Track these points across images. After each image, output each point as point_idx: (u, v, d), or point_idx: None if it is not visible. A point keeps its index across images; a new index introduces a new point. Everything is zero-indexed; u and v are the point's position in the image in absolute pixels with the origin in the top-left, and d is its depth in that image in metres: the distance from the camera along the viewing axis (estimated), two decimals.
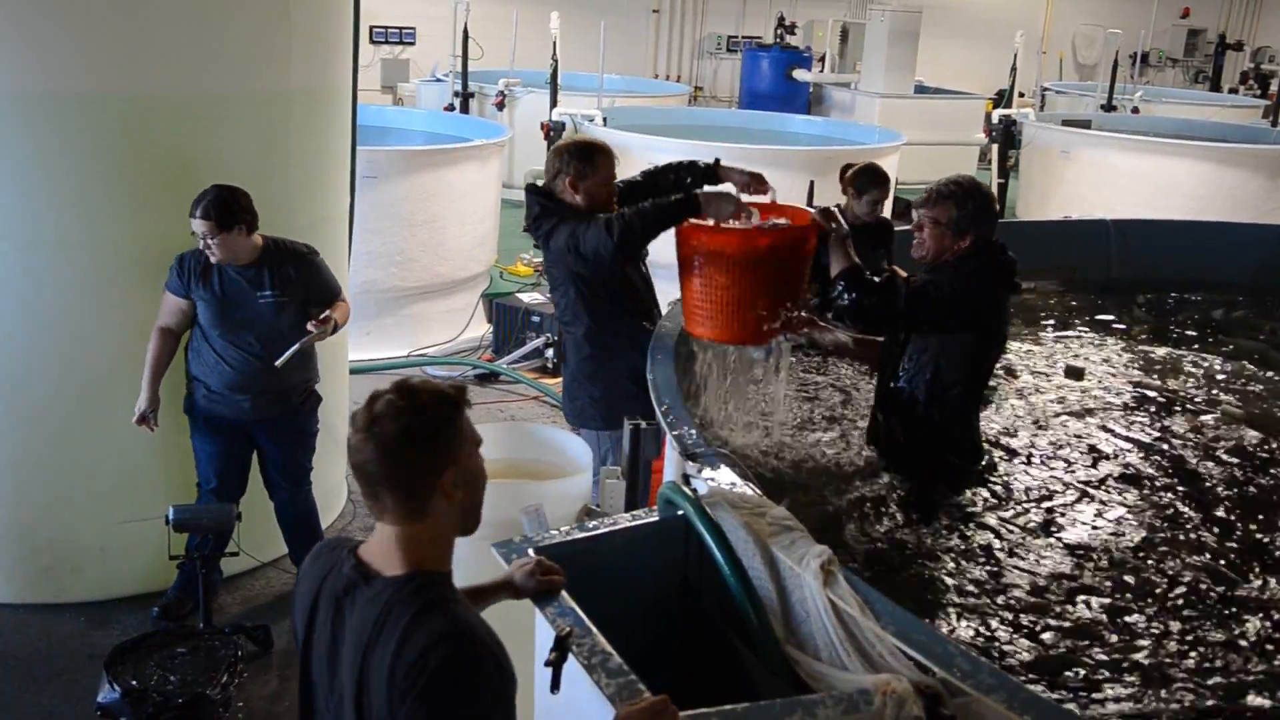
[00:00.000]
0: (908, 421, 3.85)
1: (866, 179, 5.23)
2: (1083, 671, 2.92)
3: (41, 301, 4.55)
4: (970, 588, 3.30)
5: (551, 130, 10.41)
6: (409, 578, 2.09)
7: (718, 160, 4.58)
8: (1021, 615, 3.17)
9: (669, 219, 4.05)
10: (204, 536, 4.51)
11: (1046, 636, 3.08)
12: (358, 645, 2.09)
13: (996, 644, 3.02)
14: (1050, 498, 3.88)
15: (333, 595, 2.18)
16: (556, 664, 2.20)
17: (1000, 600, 3.24)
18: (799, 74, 15.77)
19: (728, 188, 4.32)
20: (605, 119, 10.43)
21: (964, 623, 3.11)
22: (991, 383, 4.45)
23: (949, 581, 3.33)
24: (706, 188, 4.36)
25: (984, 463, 4.01)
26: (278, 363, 4.42)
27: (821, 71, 16.03)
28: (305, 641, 2.27)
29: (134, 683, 4.06)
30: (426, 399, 2.11)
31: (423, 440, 2.08)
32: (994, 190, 12.46)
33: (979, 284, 3.71)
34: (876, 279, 3.71)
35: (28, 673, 4.41)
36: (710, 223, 3.94)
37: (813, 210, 3.87)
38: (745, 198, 4.12)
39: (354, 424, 2.10)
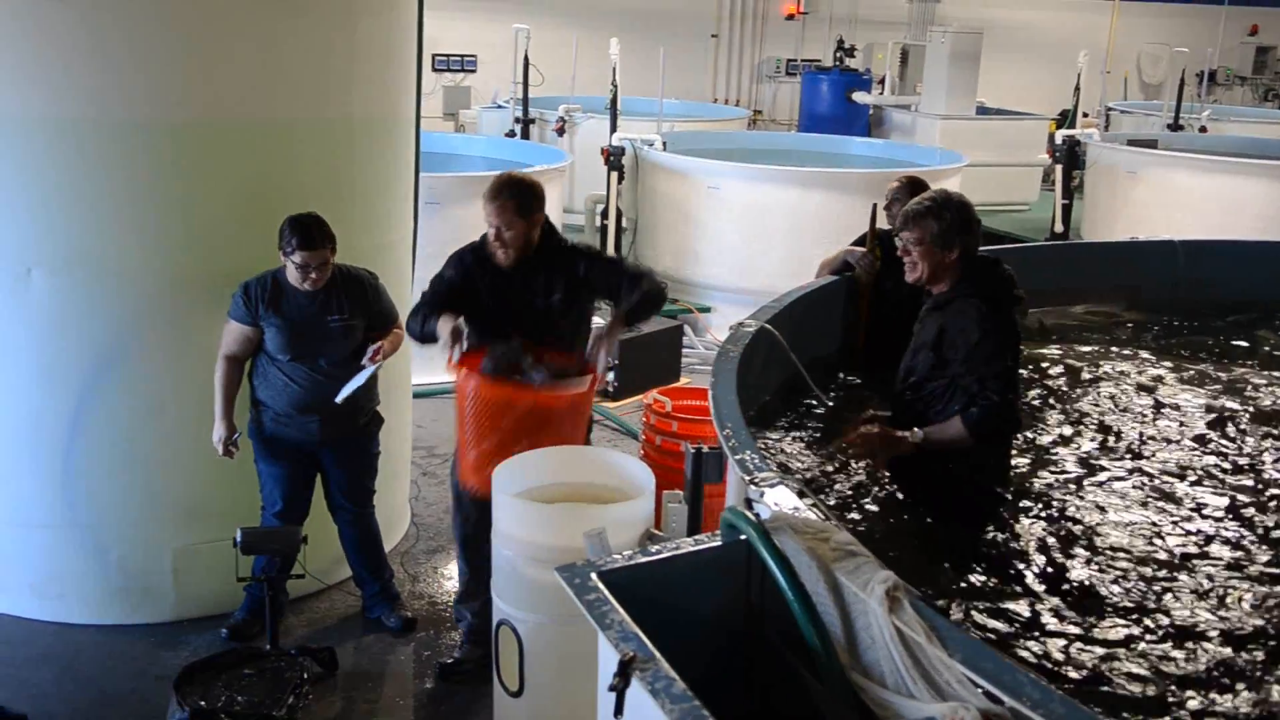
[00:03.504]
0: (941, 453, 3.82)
1: (907, 191, 5.18)
2: (1156, 702, 2.86)
3: (110, 327, 4.65)
4: (1035, 614, 3.24)
5: (611, 155, 10.46)
6: None
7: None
8: (1093, 644, 3.11)
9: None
10: (271, 559, 4.57)
11: (1117, 665, 3.01)
12: None
13: (1066, 672, 2.97)
14: (1109, 518, 3.82)
15: None
16: (620, 689, 2.20)
17: (1070, 628, 3.18)
18: (859, 96, 15.72)
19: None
20: (665, 143, 10.46)
21: (1032, 650, 3.06)
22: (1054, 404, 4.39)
23: (1012, 609, 3.28)
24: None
25: (1034, 485, 3.95)
26: (339, 398, 4.49)
27: (881, 94, 15.96)
28: None
29: (202, 703, 4.12)
30: None
31: None
32: (1058, 210, 12.36)
33: (994, 316, 3.72)
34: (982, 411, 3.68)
35: (99, 692, 4.48)
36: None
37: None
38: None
39: None
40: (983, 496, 3.88)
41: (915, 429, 3.74)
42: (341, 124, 4.97)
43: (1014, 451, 4.30)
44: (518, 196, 4.25)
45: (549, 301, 4.35)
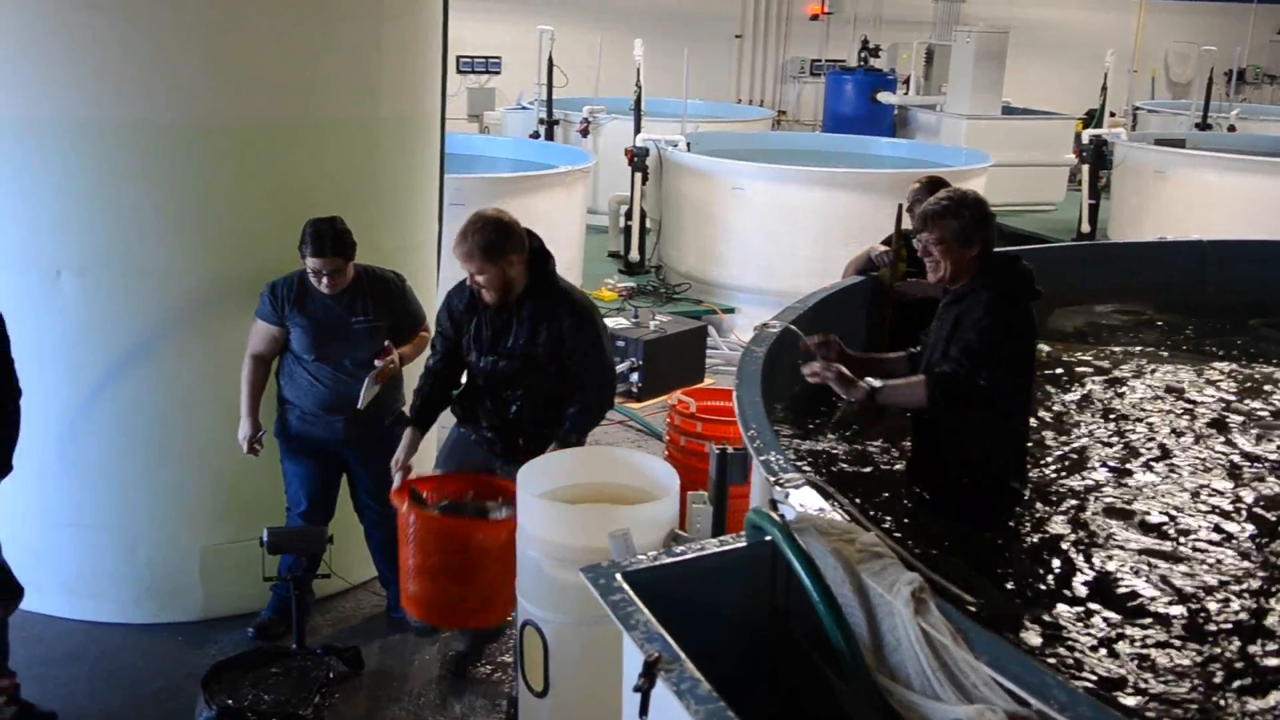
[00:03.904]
0: (958, 450, 3.81)
1: (927, 191, 5.17)
2: (1184, 705, 2.84)
3: (139, 327, 4.68)
4: (1062, 616, 3.23)
5: (635, 156, 10.47)
6: None
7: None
8: (1120, 646, 3.09)
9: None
10: (297, 558, 4.60)
11: (1145, 668, 3.00)
12: None
13: (1093, 674, 2.95)
14: (1137, 519, 3.79)
15: None
16: (645, 690, 2.20)
17: (1097, 630, 3.16)
18: (883, 96, 15.68)
19: None
20: (689, 144, 10.47)
21: (1059, 652, 3.05)
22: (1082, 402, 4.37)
23: (1039, 610, 3.26)
24: None
25: (1060, 486, 3.93)
26: (360, 405, 4.51)
27: (906, 94, 15.92)
28: None
29: (229, 701, 4.14)
30: None
31: None
32: (1085, 210, 12.28)
33: (1007, 312, 3.69)
34: (945, 376, 3.67)
35: (129, 690, 4.52)
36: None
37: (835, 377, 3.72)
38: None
39: None
40: (1008, 498, 3.86)
41: (870, 379, 3.70)
42: (367, 126, 5.00)
43: (1040, 451, 4.30)
44: (482, 242, 4.02)
45: (534, 347, 4.19)
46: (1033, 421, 4.63)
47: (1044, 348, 5.60)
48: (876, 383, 3.69)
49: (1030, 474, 4.11)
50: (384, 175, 5.12)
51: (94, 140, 4.50)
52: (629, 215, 10.71)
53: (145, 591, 4.93)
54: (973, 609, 2.85)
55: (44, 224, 4.57)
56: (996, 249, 3.83)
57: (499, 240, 4.03)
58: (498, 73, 16.28)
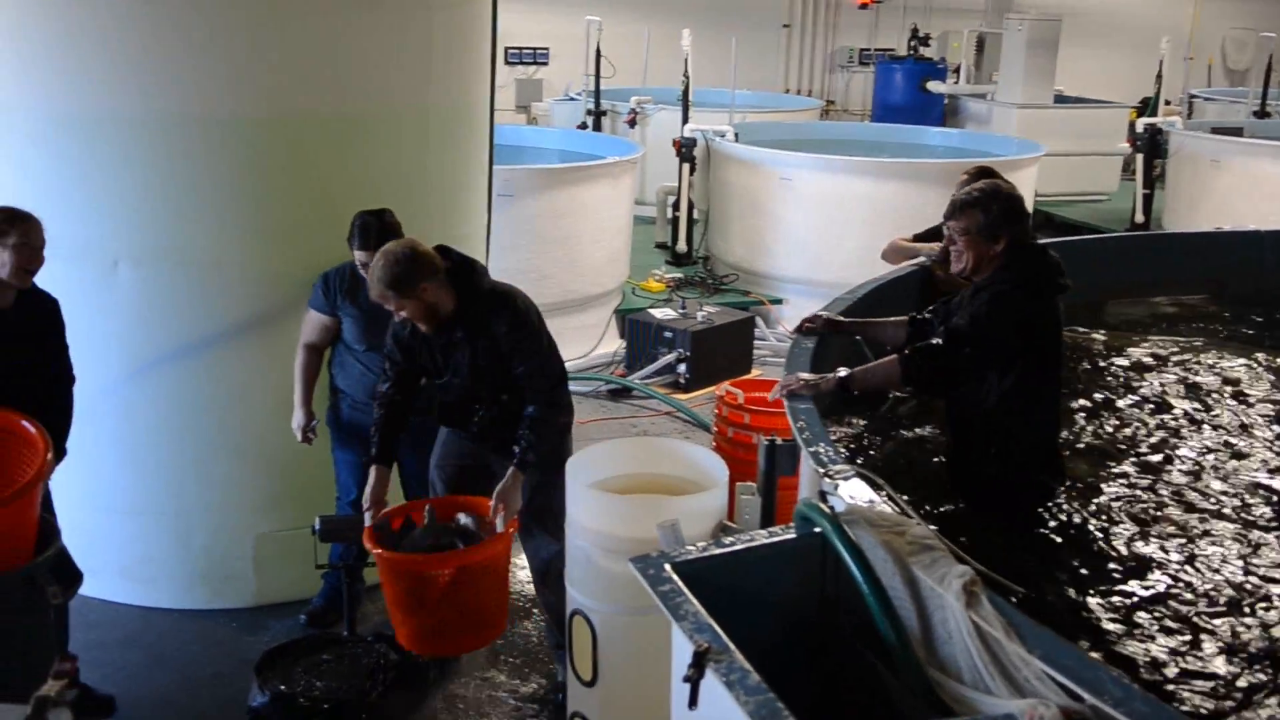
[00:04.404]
0: (984, 443, 3.79)
1: (976, 180, 5.11)
2: (1242, 703, 2.80)
3: (194, 317, 4.75)
4: (1116, 610, 3.19)
5: (683, 146, 10.46)
6: None
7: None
8: (1176, 641, 3.05)
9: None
10: (349, 546, 4.64)
11: (1201, 663, 2.96)
12: None
13: (1147, 669, 2.92)
14: (1191, 513, 3.74)
15: None
16: (695, 680, 2.20)
17: (1151, 624, 3.13)
18: (933, 86, 15.53)
19: None
20: (737, 134, 10.43)
21: (1113, 646, 3.02)
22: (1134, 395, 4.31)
23: (1092, 605, 3.23)
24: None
25: (1114, 479, 3.89)
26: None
27: (957, 83, 15.75)
28: None
29: (282, 687, 4.20)
30: None
31: None
32: (1139, 200, 12.11)
33: (1017, 305, 3.66)
34: (919, 351, 3.68)
35: (183, 675, 4.59)
36: None
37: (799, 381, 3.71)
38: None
39: None
40: (1039, 491, 3.82)
41: (841, 369, 3.74)
42: (418, 117, 5.03)
43: (1091, 441, 4.25)
44: (389, 279, 3.90)
45: (478, 361, 4.13)
46: (1084, 411, 4.59)
47: (1098, 337, 5.54)
48: (844, 371, 3.73)
49: (1080, 465, 4.07)
50: (434, 166, 5.15)
51: (150, 133, 4.56)
52: (676, 206, 10.69)
53: (199, 578, 5.00)
54: (1024, 602, 2.82)
55: (101, 216, 4.64)
56: (1041, 240, 3.80)
57: (406, 273, 3.90)
58: (545, 64, 16.31)
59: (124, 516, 4.93)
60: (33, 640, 3.59)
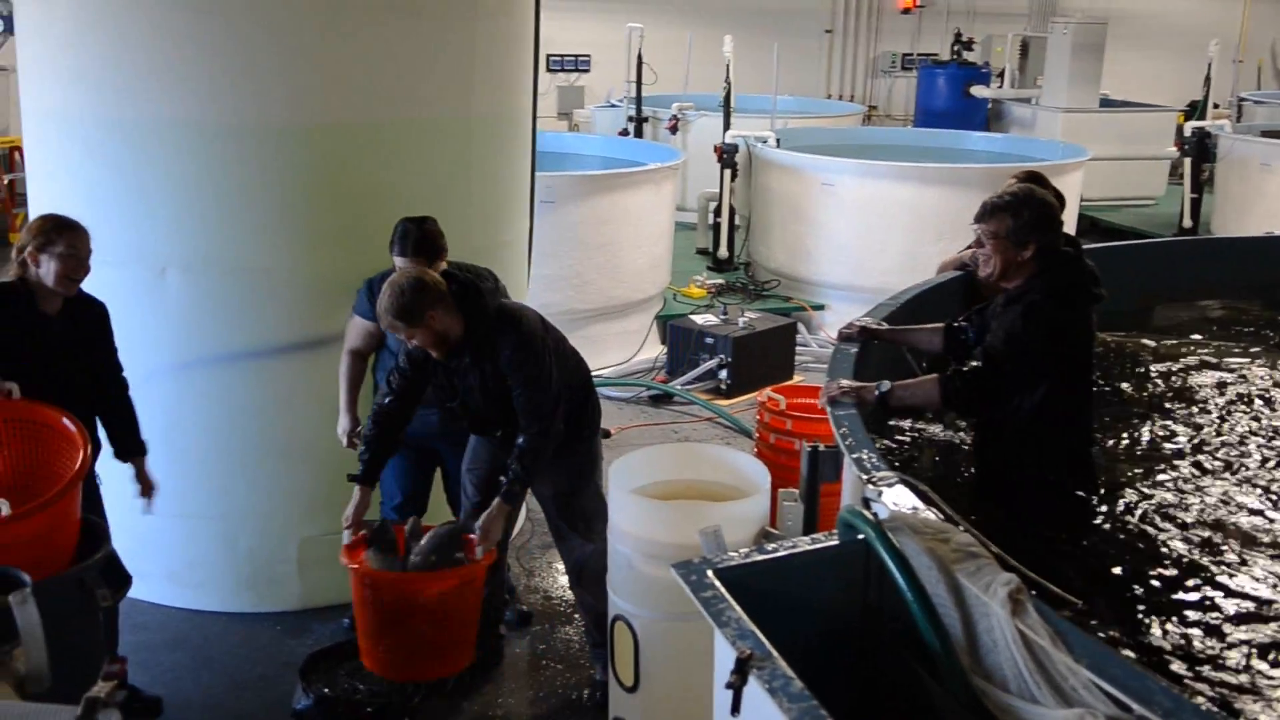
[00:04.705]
0: (1016, 452, 3.76)
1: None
2: None
3: (241, 324, 4.80)
4: (1165, 620, 3.15)
5: (725, 152, 10.45)
6: None
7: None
8: (1227, 652, 3.00)
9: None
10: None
11: (1254, 677, 2.91)
12: None
13: (1198, 680, 2.88)
14: (1241, 521, 3.68)
15: None
16: (737, 687, 2.20)
17: (1202, 634, 3.08)
18: (977, 90, 15.43)
19: None
20: (779, 140, 10.41)
21: (1162, 656, 2.97)
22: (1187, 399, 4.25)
23: (1141, 613, 3.19)
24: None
25: (1162, 486, 3.84)
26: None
27: (1000, 87, 15.64)
28: None
29: (326, 690, 4.23)
30: None
31: None
32: (1187, 205, 11.96)
33: (1050, 316, 3.62)
34: (960, 375, 3.66)
35: (229, 678, 4.64)
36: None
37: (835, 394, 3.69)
38: None
39: None
40: (1073, 499, 3.79)
41: (883, 381, 3.71)
42: (461, 124, 5.06)
43: (1138, 448, 4.20)
44: (397, 309, 3.90)
45: (487, 384, 4.11)
46: (1131, 417, 4.54)
47: (1146, 343, 5.47)
48: (886, 385, 3.70)
49: (1128, 470, 4.03)
50: (477, 174, 5.18)
51: (198, 141, 4.62)
52: (718, 212, 10.68)
53: (245, 581, 5.05)
54: (1072, 611, 2.80)
55: (150, 222, 4.71)
56: (1085, 246, 3.77)
57: (413, 303, 3.89)
58: (587, 70, 16.37)
59: (172, 520, 4.98)
60: (83, 642, 3.63)
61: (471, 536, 4.07)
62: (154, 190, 4.67)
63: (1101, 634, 2.98)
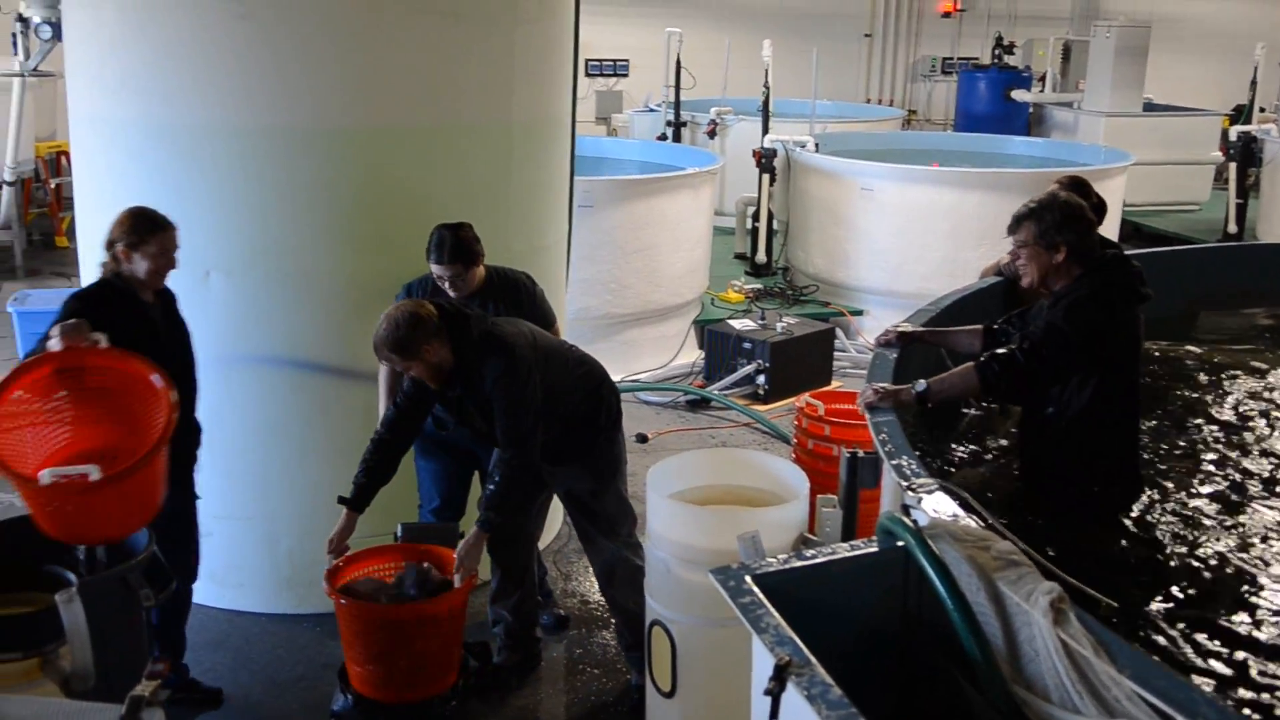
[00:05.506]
0: (1059, 454, 3.74)
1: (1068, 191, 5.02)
2: None
3: (282, 327, 4.85)
4: (1210, 630, 3.11)
5: (763, 157, 10.43)
6: None
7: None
8: (1271, 663, 2.96)
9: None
10: None
11: None
12: None
13: (1242, 691, 2.84)
14: (1269, 526, 3.64)
15: None
16: (775, 694, 2.19)
17: (1246, 644, 3.04)
18: (1018, 94, 15.30)
19: None
20: (817, 145, 10.38)
21: (1207, 667, 2.94)
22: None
23: (1185, 624, 3.15)
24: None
25: (1205, 495, 3.79)
26: None
27: (1042, 91, 15.51)
28: None
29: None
30: None
31: None
32: (1233, 210, 11.81)
33: (1094, 313, 3.60)
34: (997, 359, 3.65)
35: (269, 678, 4.68)
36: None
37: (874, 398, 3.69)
38: None
39: None
40: (1119, 503, 3.75)
41: (919, 380, 3.72)
42: (500, 129, 5.08)
43: (1185, 454, 4.16)
44: (393, 343, 3.94)
45: (481, 411, 4.13)
46: (1177, 423, 4.49)
47: (1191, 349, 5.41)
48: (922, 384, 3.71)
49: (1173, 477, 3.98)
50: (516, 178, 5.20)
51: (242, 145, 4.67)
52: (756, 217, 10.67)
53: (285, 582, 5.09)
54: (1114, 617, 2.77)
55: (195, 225, 4.73)
56: (1130, 250, 3.74)
57: (408, 337, 3.92)
58: (625, 75, 16.38)
59: (213, 522, 5.01)
60: (127, 641, 3.67)
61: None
62: (197, 194, 4.72)
63: (1143, 645, 2.95)
